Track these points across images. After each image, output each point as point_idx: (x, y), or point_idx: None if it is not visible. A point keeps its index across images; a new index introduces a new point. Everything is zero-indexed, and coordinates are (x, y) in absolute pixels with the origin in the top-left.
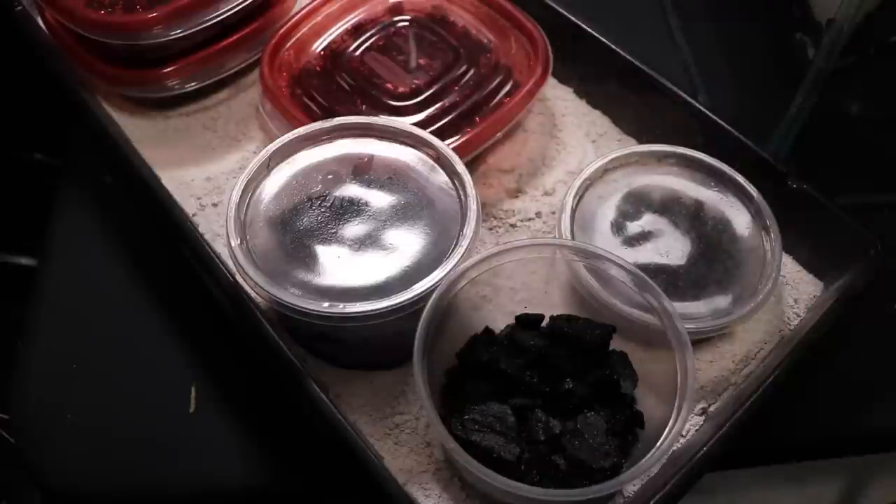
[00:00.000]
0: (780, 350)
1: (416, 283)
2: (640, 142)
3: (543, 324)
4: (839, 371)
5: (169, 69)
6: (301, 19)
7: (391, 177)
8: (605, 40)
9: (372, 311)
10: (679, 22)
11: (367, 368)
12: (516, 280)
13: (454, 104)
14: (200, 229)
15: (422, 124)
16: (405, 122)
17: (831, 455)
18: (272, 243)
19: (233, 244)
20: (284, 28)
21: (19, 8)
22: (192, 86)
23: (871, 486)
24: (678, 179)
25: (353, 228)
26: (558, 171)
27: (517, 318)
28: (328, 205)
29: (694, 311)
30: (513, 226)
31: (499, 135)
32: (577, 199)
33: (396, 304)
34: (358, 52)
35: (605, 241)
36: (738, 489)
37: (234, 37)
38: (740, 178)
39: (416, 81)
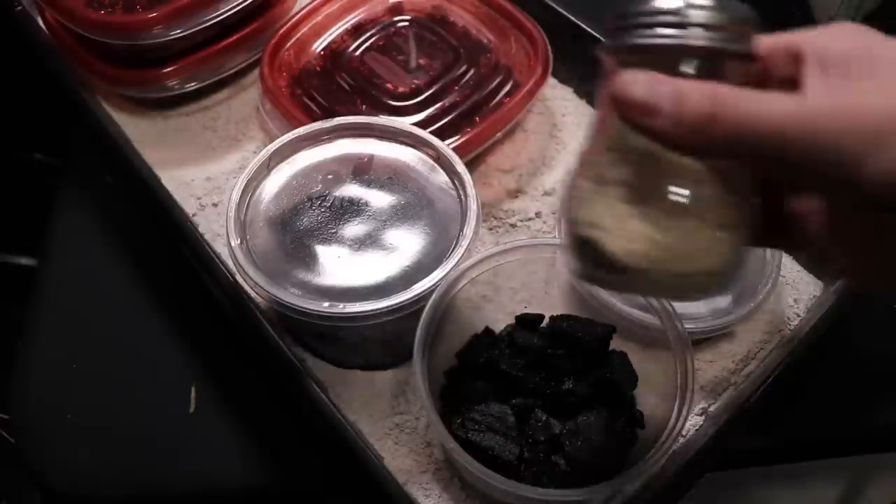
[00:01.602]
0: (780, 350)
1: (416, 283)
2: None
3: (543, 324)
4: (839, 371)
5: (169, 69)
6: (301, 19)
7: (391, 177)
8: (605, 40)
9: (372, 311)
10: None
11: (367, 368)
12: (516, 280)
13: (454, 104)
14: (200, 229)
15: (422, 124)
16: (405, 122)
17: (831, 455)
18: (272, 243)
19: (233, 244)
20: (284, 28)
21: (19, 8)
22: (192, 86)
23: (871, 486)
24: None
25: (353, 228)
26: (558, 171)
27: (517, 318)
28: (328, 205)
29: (694, 311)
30: (513, 226)
31: (499, 135)
32: None
33: (396, 304)
34: (358, 52)
35: None
36: (738, 489)
37: (234, 37)
38: None
39: (416, 81)
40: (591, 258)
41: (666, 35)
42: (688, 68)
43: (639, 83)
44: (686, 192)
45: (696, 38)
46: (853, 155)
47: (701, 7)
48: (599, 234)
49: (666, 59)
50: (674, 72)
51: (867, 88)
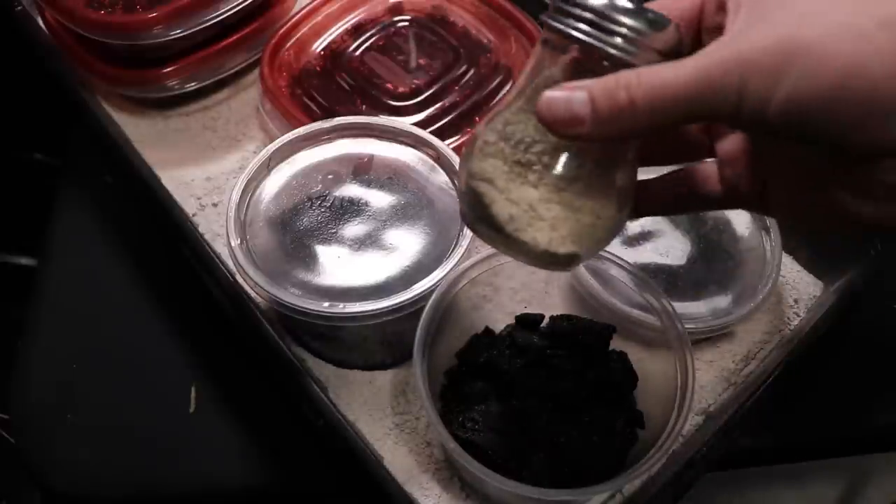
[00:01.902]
0: (780, 350)
1: (416, 283)
2: None
3: (543, 324)
4: (839, 371)
5: (169, 69)
6: (301, 19)
7: (391, 177)
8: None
9: (372, 311)
10: None
11: (367, 368)
12: (516, 280)
13: (454, 104)
14: (200, 229)
15: (422, 124)
16: (405, 122)
17: (831, 455)
18: (272, 243)
19: (233, 244)
20: (284, 28)
21: (19, 8)
22: (192, 86)
23: (871, 486)
24: None
25: (353, 228)
26: None
27: (517, 318)
28: (328, 205)
29: (694, 311)
30: None
31: None
32: None
33: (396, 304)
34: (358, 52)
35: None
36: (738, 489)
37: (234, 37)
38: None
39: (416, 81)
40: (478, 211)
41: (584, 31)
42: (604, 62)
43: (558, 102)
44: (573, 172)
45: (611, 45)
46: (756, 97)
47: (623, 13)
48: (489, 190)
49: (584, 50)
50: (591, 59)
51: (763, 27)
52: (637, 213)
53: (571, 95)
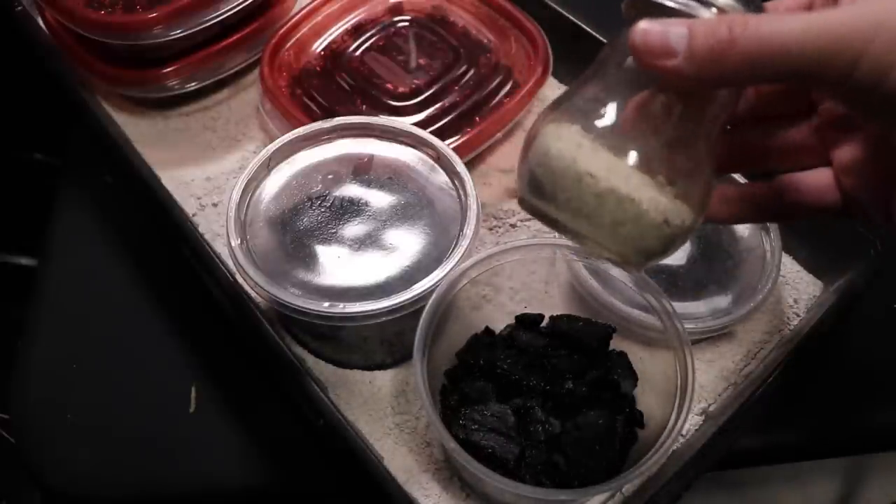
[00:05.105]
0: (780, 350)
1: (416, 283)
2: None
3: (543, 324)
4: (839, 371)
5: (169, 69)
6: (301, 19)
7: (391, 177)
8: (605, 40)
9: (372, 311)
10: None
11: (367, 368)
12: (516, 280)
13: (454, 104)
14: (200, 229)
15: (422, 124)
16: (405, 122)
17: (831, 455)
18: (272, 243)
19: (233, 244)
20: (284, 28)
21: (19, 8)
22: (192, 86)
23: (871, 486)
24: None
25: (353, 228)
26: None
27: (517, 318)
28: (328, 205)
29: (694, 311)
30: (513, 226)
31: (499, 135)
32: None
33: (396, 304)
34: (358, 52)
35: None
36: (739, 489)
37: (234, 37)
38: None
39: (416, 81)
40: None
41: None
42: None
43: (654, 30)
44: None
45: (705, 13)
46: (877, 62)
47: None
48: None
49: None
50: None
51: None
52: (737, 220)
53: (669, 27)
